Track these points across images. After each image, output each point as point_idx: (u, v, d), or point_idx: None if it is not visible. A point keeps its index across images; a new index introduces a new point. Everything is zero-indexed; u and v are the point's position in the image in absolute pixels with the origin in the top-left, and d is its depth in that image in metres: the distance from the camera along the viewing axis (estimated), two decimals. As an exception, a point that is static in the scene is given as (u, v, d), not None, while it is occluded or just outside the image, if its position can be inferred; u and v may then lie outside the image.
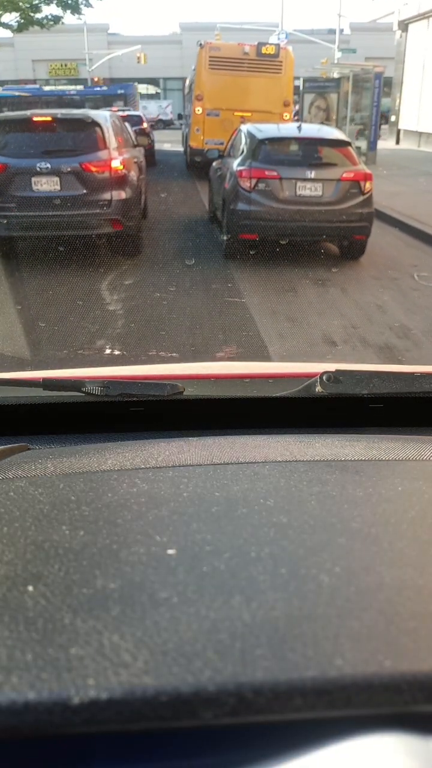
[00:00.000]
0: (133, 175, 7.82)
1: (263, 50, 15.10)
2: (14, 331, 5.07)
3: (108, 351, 4.92)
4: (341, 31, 35.34)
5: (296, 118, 21.73)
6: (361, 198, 7.41)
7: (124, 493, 0.77)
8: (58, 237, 7.30)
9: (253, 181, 7.29)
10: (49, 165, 7.00)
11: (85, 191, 7.09)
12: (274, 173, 7.30)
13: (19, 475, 0.88)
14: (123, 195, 7.28)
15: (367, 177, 7.48)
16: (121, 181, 7.27)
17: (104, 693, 0.45)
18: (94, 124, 7.30)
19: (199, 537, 0.66)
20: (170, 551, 0.63)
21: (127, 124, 14.10)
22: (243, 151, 7.78)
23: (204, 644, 0.50)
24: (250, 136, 7.82)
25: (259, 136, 7.74)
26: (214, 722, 0.45)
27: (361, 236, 7.61)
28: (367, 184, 7.44)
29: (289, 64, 15.31)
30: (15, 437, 1.19)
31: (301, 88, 21.19)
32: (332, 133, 8.79)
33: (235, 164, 7.68)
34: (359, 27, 46.63)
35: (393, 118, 28.34)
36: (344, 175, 7.38)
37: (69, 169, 7.04)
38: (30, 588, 0.57)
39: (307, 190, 7.33)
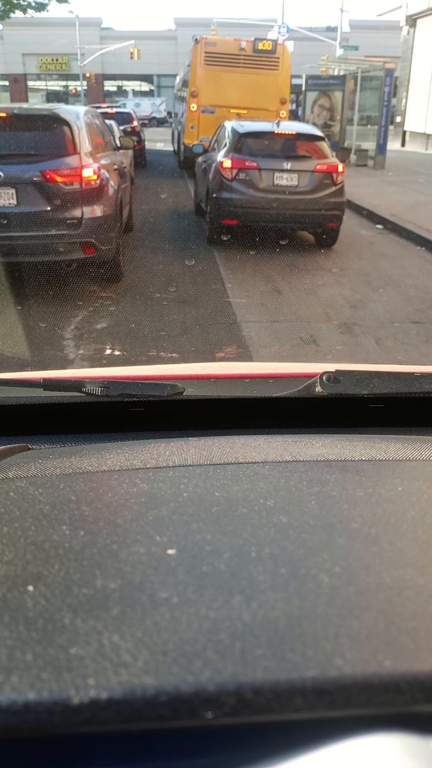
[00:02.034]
0: (112, 185, 6.33)
1: (260, 46, 14.64)
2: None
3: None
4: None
5: (297, 119, 20.40)
6: (333, 188, 8.03)
7: (124, 493, 0.77)
8: (13, 264, 5.81)
9: (234, 172, 7.91)
10: (1, 174, 5.51)
11: (48, 207, 5.60)
12: (254, 164, 7.91)
13: (19, 475, 0.87)
14: (97, 212, 5.80)
15: (339, 169, 8.13)
16: (94, 195, 5.79)
17: (104, 693, 0.45)
18: (62, 122, 5.81)
19: (199, 537, 0.65)
20: (170, 551, 0.62)
21: (113, 122, 12.65)
22: (226, 145, 8.38)
23: (204, 644, 0.50)
24: (233, 130, 8.45)
25: (241, 130, 8.37)
26: (214, 722, 0.45)
27: (334, 224, 8.18)
28: (339, 176, 8.08)
29: (287, 60, 14.88)
30: (15, 437, 1.17)
31: (303, 85, 19.76)
32: (308, 128, 9.53)
33: (218, 156, 8.29)
34: (359, 25, 45.48)
35: (398, 119, 26.91)
36: (318, 167, 8.02)
37: (28, 179, 5.54)
38: (30, 588, 0.56)
39: (284, 180, 7.93)
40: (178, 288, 6.40)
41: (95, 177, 5.78)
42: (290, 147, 8.25)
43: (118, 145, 8.14)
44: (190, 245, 8.33)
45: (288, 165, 7.93)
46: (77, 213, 5.66)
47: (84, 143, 5.87)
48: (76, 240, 5.68)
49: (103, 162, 6.30)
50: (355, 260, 7.95)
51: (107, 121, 12.20)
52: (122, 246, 6.82)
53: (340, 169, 8.13)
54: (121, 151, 8.39)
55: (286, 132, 8.45)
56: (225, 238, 8.12)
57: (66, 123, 5.80)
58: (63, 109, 6.08)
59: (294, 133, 8.51)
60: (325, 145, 8.42)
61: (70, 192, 5.62)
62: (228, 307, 5.91)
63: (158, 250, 8.07)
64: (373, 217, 10.81)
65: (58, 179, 5.57)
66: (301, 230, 8.65)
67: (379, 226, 10.31)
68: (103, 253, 5.93)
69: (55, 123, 5.83)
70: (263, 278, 6.90)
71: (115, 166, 6.89)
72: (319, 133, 8.99)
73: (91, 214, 5.75)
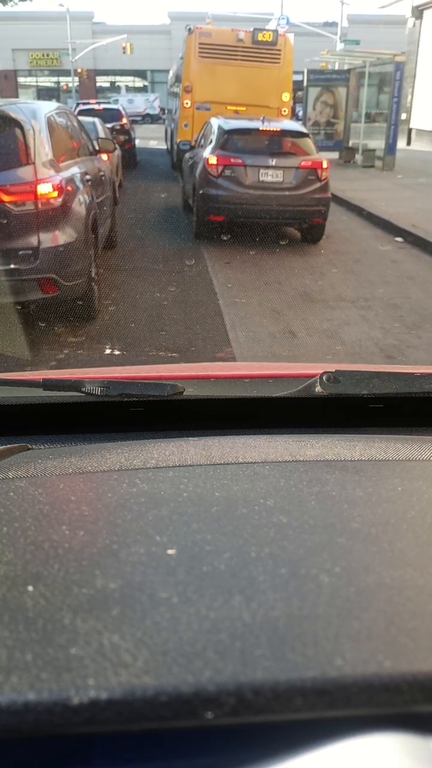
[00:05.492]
0: (83, 201, 5.04)
1: (260, 37, 13.52)
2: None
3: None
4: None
5: (298, 117, 19.15)
6: (318, 184, 8.08)
7: (124, 493, 0.77)
8: None
9: (220, 168, 7.94)
10: None
11: None
12: (239, 161, 7.97)
13: (19, 475, 0.87)
14: (60, 238, 4.52)
15: (324, 165, 8.19)
16: (56, 217, 4.51)
17: (104, 693, 0.45)
18: (12, 123, 4.52)
19: (199, 537, 0.65)
20: (170, 551, 0.62)
21: (96, 120, 11.28)
22: (212, 141, 8.41)
23: (204, 644, 0.49)
24: (218, 127, 8.49)
25: (226, 127, 8.43)
26: (214, 722, 0.45)
27: (319, 219, 8.25)
28: (324, 172, 8.14)
29: (289, 53, 13.87)
30: (15, 437, 1.17)
31: (305, 81, 18.43)
32: (293, 125, 9.51)
33: (204, 153, 8.38)
34: (357, 19, 44.20)
35: (403, 116, 25.61)
36: (303, 163, 8.06)
37: None
38: (30, 588, 0.56)
39: (269, 176, 7.99)
40: (167, 332, 5.09)
41: (56, 194, 4.48)
42: (275, 144, 8.28)
43: (96, 148, 6.83)
44: (183, 268, 7.02)
45: (273, 161, 7.99)
46: (32, 241, 4.36)
47: (42, 150, 4.56)
48: (31, 276, 4.38)
49: (71, 172, 5.01)
50: (379, 285, 6.66)
51: (90, 119, 10.85)
52: (99, 271, 5.54)
53: (325, 165, 8.19)
54: (105, 155, 7.09)
55: (271, 129, 8.43)
56: (213, 237, 8.06)
57: (17, 124, 4.49)
58: (15, 107, 4.76)
59: (279, 130, 8.52)
60: (309, 142, 8.53)
61: (22, 214, 4.33)
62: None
63: (145, 273, 6.78)
64: (390, 228, 9.59)
65: (5, 198, 4.27)
66: (286, 226, 8.69)
67: (399, 239, 9.07)
68: (68, 290, 4.62)
69: (2, 125, 4.51)
70: (272, 315, 5.61)
71: (89, 176, 5.59)
72: (303, 129, 9.17)
73: (51, 242, 4.46)
